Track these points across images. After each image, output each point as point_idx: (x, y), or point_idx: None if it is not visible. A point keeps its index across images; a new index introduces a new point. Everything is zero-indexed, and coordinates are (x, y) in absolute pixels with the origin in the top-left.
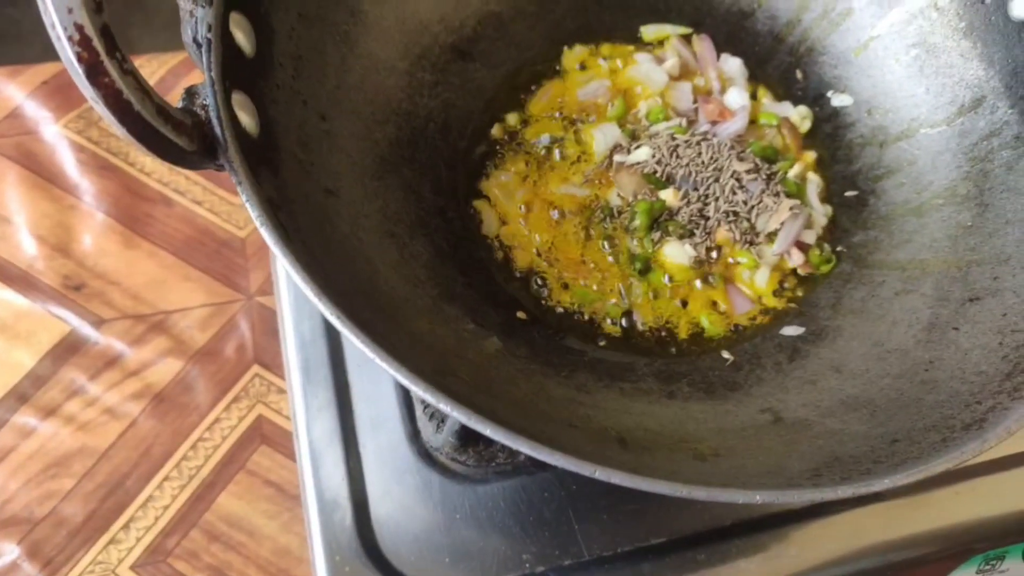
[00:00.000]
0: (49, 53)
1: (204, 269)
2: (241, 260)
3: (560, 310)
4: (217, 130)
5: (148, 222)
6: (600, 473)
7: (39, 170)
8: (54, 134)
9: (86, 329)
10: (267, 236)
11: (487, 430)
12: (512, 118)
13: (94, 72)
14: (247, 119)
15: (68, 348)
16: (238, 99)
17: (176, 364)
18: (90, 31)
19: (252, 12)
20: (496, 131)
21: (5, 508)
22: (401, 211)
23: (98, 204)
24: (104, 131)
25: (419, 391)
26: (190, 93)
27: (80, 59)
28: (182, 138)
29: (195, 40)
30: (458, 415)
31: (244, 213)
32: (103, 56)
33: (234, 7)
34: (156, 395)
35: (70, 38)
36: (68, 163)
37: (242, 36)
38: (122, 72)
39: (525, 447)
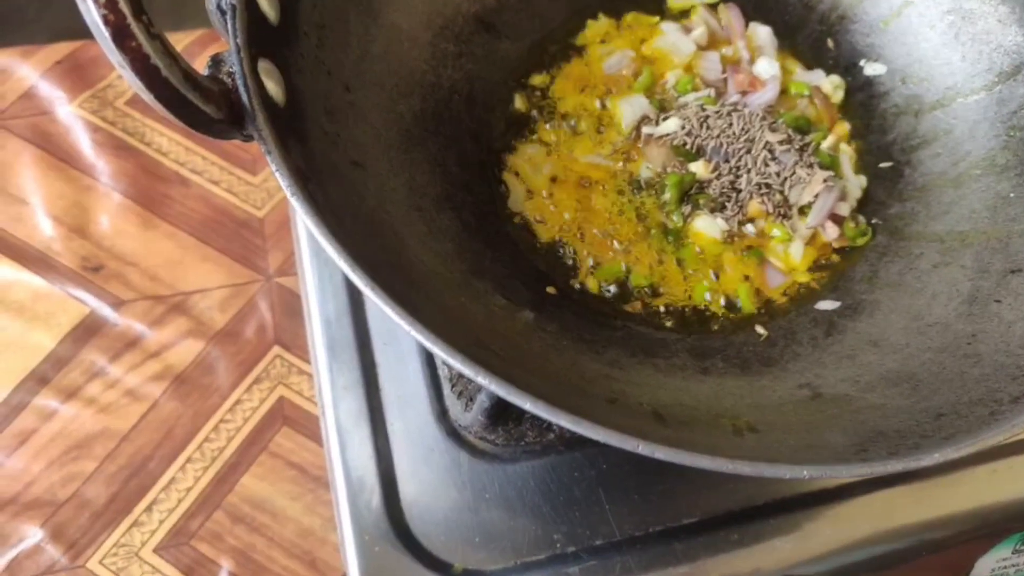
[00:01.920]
0: (56, 40)
1: (222, 250)
2: (259, 240)
3: (589, 285)
4: (244, 98)
5: (165, 203)
6: (643, 447)
7: (54, 151)
8: (68, 114)
9: (105, 310)
10: (298, 205)
11: (526, 404)
12: (537, 79)
13: (121, 35)
14: (274, 87)
15: (87, 330)
16: (264, 67)
17: (196, 345)
18: None
19: None
20: (520, 103)
21: (28, 491)
22: (427, 185)
23: (115, 185)
24: (119, 111)
25: (457, 364)
26: (216, 61)
27: (107, 22)
28: (210, 106)
29: (219, 7)
30: (496, 389)
31: (262, 193)
32: (130, 19)
33: None
34: (177, 376)
35: (95, 0)
36: (83, 143)
37: (266, 3)
38: (149, 36)
39: (565, 421)
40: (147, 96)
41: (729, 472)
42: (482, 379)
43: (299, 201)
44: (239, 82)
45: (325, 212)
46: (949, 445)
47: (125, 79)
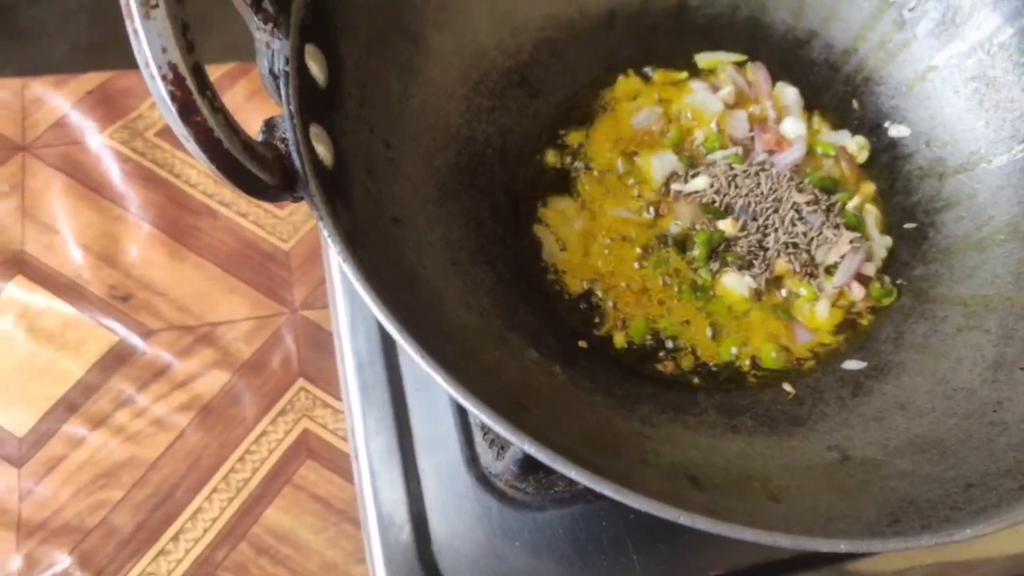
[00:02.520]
0: (74, 55)
1: (249, 282)
2: (285, 273)
3: (619, 340)
4: (297, 164)
5: (194, 234)
6: (684, 518)
7: (85, 180)
8: (99, 144)
9: (134, 339)
10: (350, 272)
11: (571, 472)
12: (573, 137)
13: (186, 111)
14: (323, 151)
15: (116, 358)
16: (315, 132)
17: (223, 376)
18: (183, 70)
19: (325, 43)
20: (552, 157)
21: (57, 517)
22: (463, 239)
23: (144, 215)
24: (149, 142)
25: (510, 436)
26: (269, 126)
27: (173, 98)
28: (264, 172)
29: (271, 72)
30: (543, 457)
31: (288, 226)
32: (195, 95)
33: (309, 39)
34: (203, 407)
35: (163, 77)
36: (114, 173)
37: (316, 67)
38: (212, 110)
39: (609, 490)
40: (208, 165)
41: (768, 544)
42: (528, 447)
43: (351, 267)
44: (292, 149)
45: (372, 275)
46: (981, 520)
47: (188, 150)
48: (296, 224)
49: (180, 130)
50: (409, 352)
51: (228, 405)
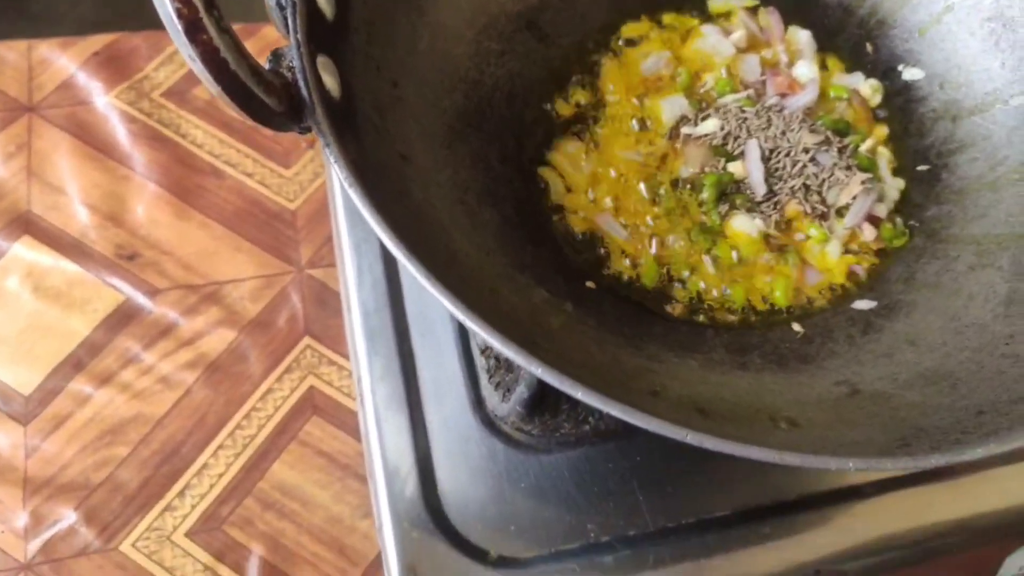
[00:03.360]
0: (80, 32)
1: (255, 241)
2: (291, 232)
3: (626, 280)
4: (304, 92)
5: (199, 193)
6: (691, 437)
7: (91, 140)
8: (105, 105)
9: (140, 298)
10: (356, 197)
11: (578, 393)
12: (579, 95)
13: (192, 29)
14: (331, 81)
15: (122, 317)
16: (322, 61)
17: (229, 334)
18: None
19: None
20: (560, 101)
21: (62, 474)
22: (470, 179)
23: (149, 175)
24: (155, 102)
25: (516, 357)
26: (276, 55)
27: (180, 15)
28: (272, 99)
29: (279, 3)
30: (552, 380)
31: (294, 186)
32: (202, 13)
33: None
34: (210, 365)
35: None
36: (120, 134)
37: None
38: (219, 30)
39: (616, 411)
40: (214, 88)
41: (777, 462)
42: (538, 370)
43: (357, 193)
44: (299, 76)
45: (379, 203)
46: (992, 441)
47: (194, 71)
48: (302, 183)
49: (186, 50)
50: (417, 277)
51: (234, 363)
